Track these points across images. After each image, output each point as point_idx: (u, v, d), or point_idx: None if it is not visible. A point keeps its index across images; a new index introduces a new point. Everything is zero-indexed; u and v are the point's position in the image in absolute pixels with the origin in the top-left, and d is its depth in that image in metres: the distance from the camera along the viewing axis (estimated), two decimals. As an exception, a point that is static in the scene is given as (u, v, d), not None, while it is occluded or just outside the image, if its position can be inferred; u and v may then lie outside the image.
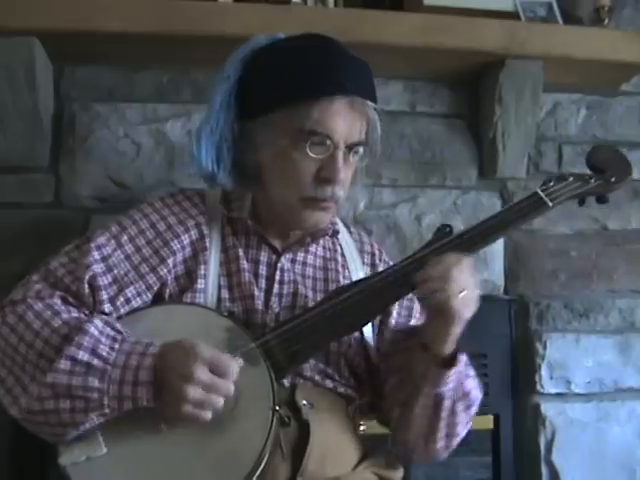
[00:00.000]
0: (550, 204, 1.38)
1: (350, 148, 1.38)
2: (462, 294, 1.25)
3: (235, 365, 1.21)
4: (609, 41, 2.01)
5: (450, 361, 1.32)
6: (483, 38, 1.94)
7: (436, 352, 1.32)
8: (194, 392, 1.17)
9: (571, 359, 2.10)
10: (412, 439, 1.42)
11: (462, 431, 1.44)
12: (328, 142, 1.35)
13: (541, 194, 1.38)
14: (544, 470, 2.06)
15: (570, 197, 1.42)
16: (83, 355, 1.19)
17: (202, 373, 1.18)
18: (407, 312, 1.55)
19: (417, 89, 2.11)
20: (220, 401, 1.19)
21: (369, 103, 1.38)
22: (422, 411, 1.38)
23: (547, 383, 2.08)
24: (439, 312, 1.27)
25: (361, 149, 1.41)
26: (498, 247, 2.05)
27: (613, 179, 1.46)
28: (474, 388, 1.42)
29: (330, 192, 1.38)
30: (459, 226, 1.93)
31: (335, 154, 1.36)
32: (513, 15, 2.06)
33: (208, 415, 1.19)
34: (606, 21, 2.08)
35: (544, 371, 2.07)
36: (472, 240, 1.37)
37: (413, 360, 1.37)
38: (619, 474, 2.09)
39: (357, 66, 1.39)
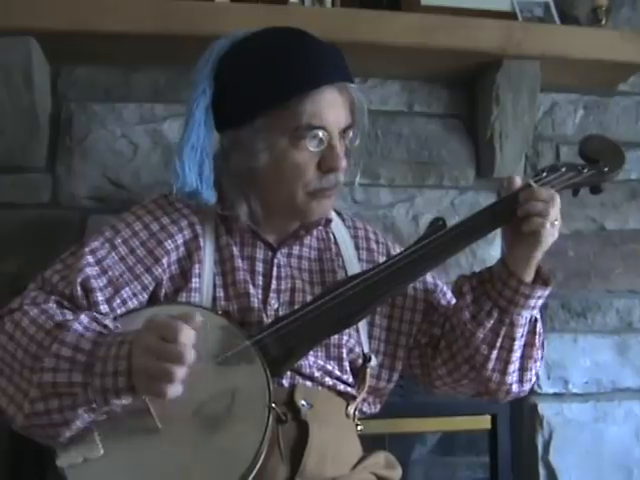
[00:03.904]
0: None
1: (342, 133, 1.39)
2: (556, 222, 1.34)
3: (186, 328, 1.13)
4: (606, 41, 2.01)
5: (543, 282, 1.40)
6: (480, 38, 1.94)
7: (521, 277, 1.38)
8: (144, 360, 1.12)
9: (568, 359, 2.10)
10: (511, 372, 1.45)
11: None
12: (324, 133, 1.36)
13: (534, 185, 1.37)
14: (542, 470, 2.06)
15: (563, 187, 1.42)
16: (66, 352, 1.18)
17: (150, 340, 1.13)
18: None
19: (414, 89, 2.11)
20: (175, 369, 1.11)
21: (351, 85, 1.40)
22: (524, 340, 1.44)
23: (544, 383, 2.08)
24: (529, 235, 1.35)
25: (351, 132, 1.42)
26: (495, 248, 2.05)
27: (606, 169, 1.46)
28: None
29: (334, 179, 1.39)
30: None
31: (333, 143, 1.37)
32: (510, 15, 2.06)
33: (170, 389, 1.12)
34: (603, 21, 2.08)
35: (542, 371, 2.07)
36: (468, 232, 1.39)
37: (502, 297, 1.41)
38: (616, 474, 2.09)
39: (331, 51, 1.40)
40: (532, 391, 2.06)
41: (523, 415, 2.09)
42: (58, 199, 1.90)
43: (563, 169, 1.42)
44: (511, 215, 1.36)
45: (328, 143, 1.37)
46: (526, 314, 1.41)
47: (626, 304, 2.17)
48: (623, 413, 2.12)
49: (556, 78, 2.08)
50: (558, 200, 1.35)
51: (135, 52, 1.89)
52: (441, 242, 1.36)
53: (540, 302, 1.42)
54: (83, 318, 1.23)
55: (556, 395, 2.09)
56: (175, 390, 1.13)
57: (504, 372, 1.44)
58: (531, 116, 2.06)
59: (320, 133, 1.35)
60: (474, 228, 1.39)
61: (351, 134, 1.42)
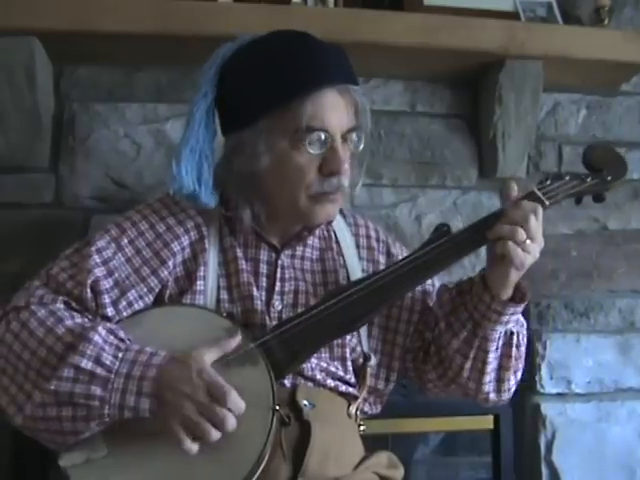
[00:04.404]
0: (547, 203, 1.37)
1: (345, 136, 1.38)
2: (527, 242, 1.31)
3: (235, 396, 1.18)
4: (609, 41, 2.01)
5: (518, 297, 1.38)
6: (483, 38, 1.94)
7: (497, 294, 1.36)
8: (189, 409, 1.16)
9: (571, 359, 2.10)
10: (487, 382, 1.45)
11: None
12: (325, 136, 1.34)
13: (538, 193, 1.37)
14: (544, 470, 2.06)
15: (566, 196, 1.42)
16: (87, 364, 1.18)
17: (201, 394, 1.17)
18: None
19: (417, 89, 2.11)
20: (212, 432, 1.17)
21: (354, 88, 1.39)
22: (499, 352, 1.43)
23: (547, 383, 2.08)
24: (501, 257, 1.33)
25: (354, 135, 1.40)
26: (498, 247, 2.05)
27: (609, 178, 1.45)
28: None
29: (336, 183, 1.37)
30: (459, 226, 1.93)
31: (334, 146, 1.36)
32: (513, 15, 2.06)
33: (191, 446, 1.17)
34: (606, 21, 2.08)
35: (544, 371, 2.07)
36: (472, 238, 1.38)
37: (476, 313, 1.40)
38: (619, 474, 2.09)
39: (335, 53, 1.39)
40: (535, 391, 2.07)
41: (526, 415, 2.09)
42: (61, 199, 1.91)
43: (567, 177, 1.42)
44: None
45: (330, 146, 1.36)
46: (500, 329, 1.40)
47: (629, 304, 2.17)
48: (626, 413, 2.12)
49: (559, 78, 2.08)
50: (534, 221, 1.32)
51: (137, 52, 1.89)
52: (446, 248, 1.36)
53: (515, 317, 1.40)
54: (100, 330, 1.22)
55: (559, 395, 2.09)
56: (194, 448, 1.18)
57: (479, 382, 1.44)
58: (534, 116, 2.06)
59: (321, 135, 1.34)
60: (479, 234, 1.37)
61: (355, 137, 1.41)
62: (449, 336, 1.43)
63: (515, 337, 1.43)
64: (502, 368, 1.45)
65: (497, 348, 1.42)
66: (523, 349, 1.47)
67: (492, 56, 1.98)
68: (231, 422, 1.17)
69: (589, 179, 1.44)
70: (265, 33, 1.41)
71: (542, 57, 1.99)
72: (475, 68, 2.04)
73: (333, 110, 1.35)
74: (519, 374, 1.49)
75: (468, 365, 1.43)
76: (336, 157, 1.36)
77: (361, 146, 1.44)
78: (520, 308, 1.39)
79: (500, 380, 1.46)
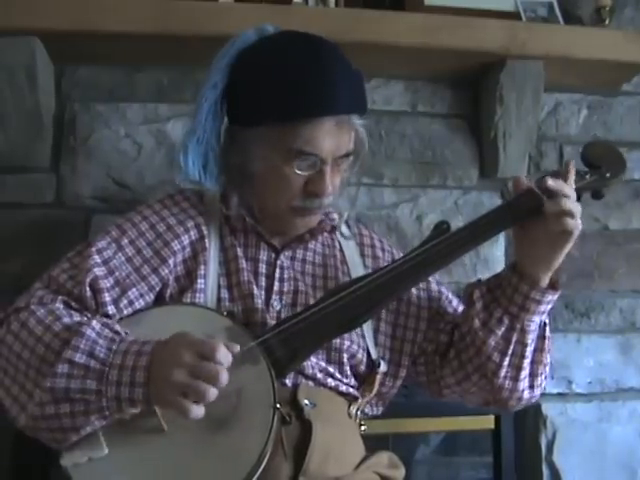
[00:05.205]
0: (545, 199, 1.36)
1: (337, 160, 1.38)
2: (579, 222, 1.33)
3: (223, 348, 1.16)
4: (610, 41, 2.01)
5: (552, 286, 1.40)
6: (484, 38, 1.94)
7: (537, 280, 1.38)
8: (179, 375, 1.13)
9: (572, 359, 2.10)
10: (516, 377, 1.45)
11: None
12: (315, 160, 1.35)
13: (537, 190, 1.36)
14: (545, 470, 2.06)
15: None
16: (80, 358, 1.18)
17: (187, 356, 1.14)
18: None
19: (418, 89, 2.11)
20: (208, 389, 1.13)
21: (356, 120, 1.38)
22: (534, 346, 1.44)
23: (548, 383, 2.06)
24: (559, 235, 1.33)
25: (350, 157, 1.42)
26: (499, 248, 2.05)
27: (608, 174, 1.46)
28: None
29: (318, 203, 1.40)
30: (460, 226, 1.93)
31: (323, 170, 1.36)
32: (514, 15, 2.06)
33: (197, 410, 1.14)
34: (607, 21, 2.08)
35: (545, 371, 2.07)
36: (472, 236, 1.38)
37: (513, 305, 1.40)
38: (620, 474, 2.09)
39: (347, 78, 1.37)
40: (536, 391, 2.06)
41: (527, 415, 2.09)
42: (62, 199, 1.91)
43: None
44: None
45: (319, 169, 1.36)
46: (537, 319, 1.41)
47: (629, 304, 2.17)
48: (627, 413, 2.12)
49: (560, 78, 2.08)
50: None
51: (138, 52, 1.89)
52: (445, 245, 1.36)
53: (550, 306, 1.41)
54: (95, 324, 1.23)
55: (560, 395, 2.09)
56: (200, 411, 1.15)
57: (516, 379, 1.44)
58: (535, 116, 2.06)
59: (312, 159, 1.35)
60: (480, 230, 1.38)
61: (348, 161, 1.42)
62: (484, 335, 1.42)
63: (547, 328, 1.45)
64: (536, 362, 1.45)
65: (533, 340, 1.42)
66: (550, 342, 1.48)
67: (493, 56, 1.98)
68: (224, 375, 1.14)
69: (588, 176, 1.45)
70: (282, 32, 1.43)
71: (543, 57, 1.99)
72: (476, 68, 2.04)
73: (329, 137, 1.35)
74: (548, 369, 1.49)
75: (506, 362, 1.42)
76: (322, 181, 1.37)
77: (354, 170, 1.45)
78: (555, 296, 1.40)
79: (534, 375, 1.46)
